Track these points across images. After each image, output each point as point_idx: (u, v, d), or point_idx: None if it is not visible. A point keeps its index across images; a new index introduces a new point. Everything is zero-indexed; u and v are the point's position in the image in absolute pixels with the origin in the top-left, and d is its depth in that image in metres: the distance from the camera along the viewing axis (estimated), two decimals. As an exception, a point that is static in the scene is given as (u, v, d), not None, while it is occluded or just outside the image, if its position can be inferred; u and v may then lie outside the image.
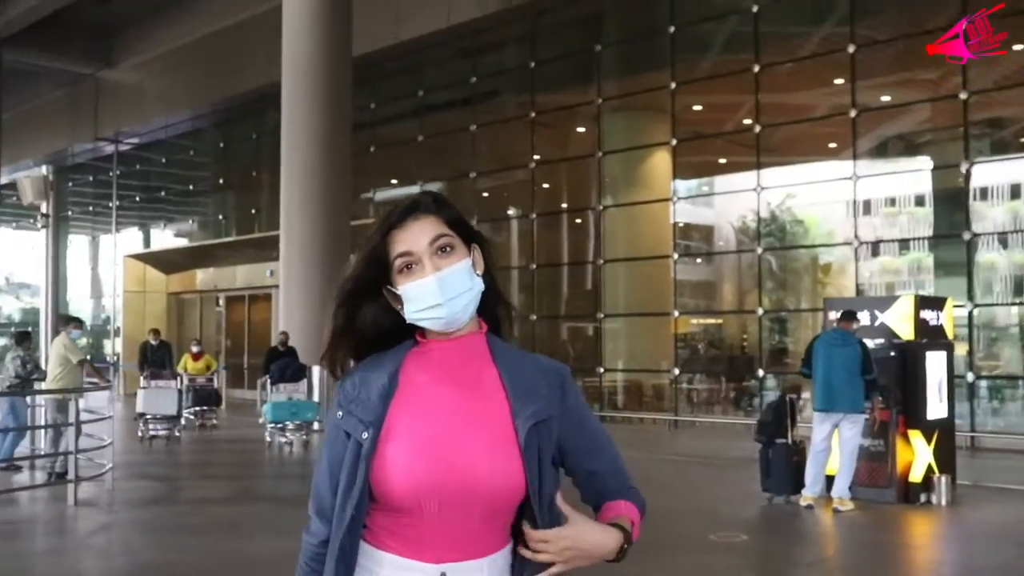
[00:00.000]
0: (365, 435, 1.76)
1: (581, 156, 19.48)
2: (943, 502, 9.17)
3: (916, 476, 9.33)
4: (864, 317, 9.61)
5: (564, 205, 21.06)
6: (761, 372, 16.25)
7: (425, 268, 1.79)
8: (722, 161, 18.68)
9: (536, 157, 20.10)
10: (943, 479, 9.29)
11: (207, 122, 27.51)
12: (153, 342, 16.45)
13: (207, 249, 27.22)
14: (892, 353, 9.46)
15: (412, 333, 1.86)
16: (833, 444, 9.14)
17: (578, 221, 20.32)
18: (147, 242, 30.78)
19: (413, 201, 1.85)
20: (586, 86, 19.21)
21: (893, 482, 9.28)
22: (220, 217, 27.92)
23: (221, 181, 28.10)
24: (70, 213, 33.64)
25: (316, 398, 14.71)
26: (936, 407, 9.67)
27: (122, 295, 28.27)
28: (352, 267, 1.88)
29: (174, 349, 18.83)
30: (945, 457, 9.61)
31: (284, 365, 14.42)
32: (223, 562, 7.07)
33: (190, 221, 29.59)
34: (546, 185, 20.73)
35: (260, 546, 7.46)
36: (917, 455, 9.37)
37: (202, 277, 27.82)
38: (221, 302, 27.22)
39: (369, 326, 1.87)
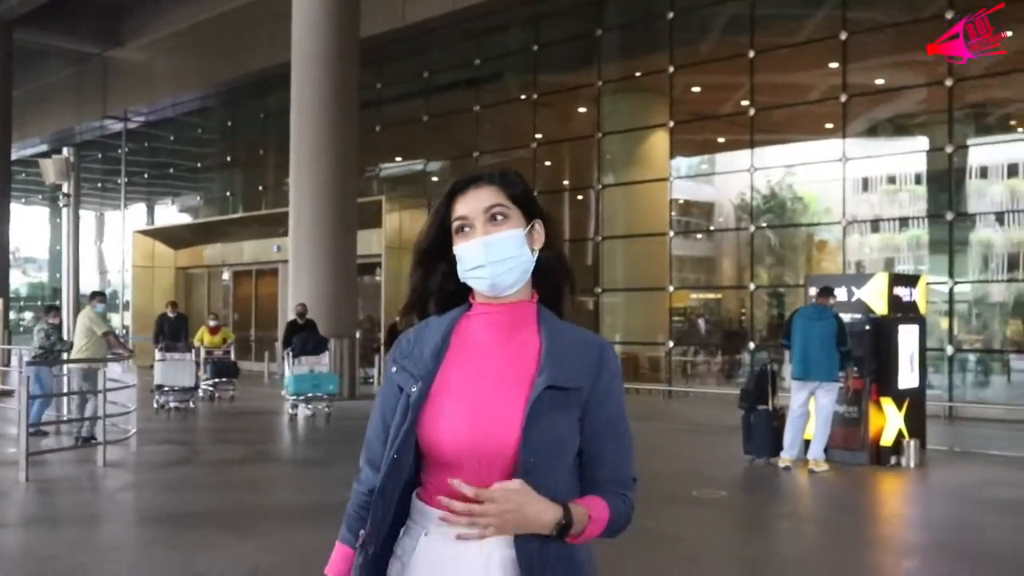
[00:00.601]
0: (415, 388, 1.87)
1: (582, 136, 20.19)
2: (911, 464, 9.92)
3: (887, 440, 10.10)
4: (841, 293, 10.36)
5: (565, 183, 21.77)
6: (752, 345, 17.00)
7: (476, 232, 1.90)
8: (719, 141, 19.42)
9: (538, 136, 20.83)
10: (912, 443, 10.04)
11: (214, 101, 28.25)
12: (171, 314, 16.60)
13: (215, 225, 27.98)
14: (867, 327, 10.21)
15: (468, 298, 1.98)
16: (810, 410, 9.91)
17: (579, 198, 21.03)
18: (155, 218, 31.59)
19: (479, 174, 1.97)
20: (587, 68, 19.91)
21: (865, 445, 10.04)
22: (227, 194, 28.73)
23: (228, 159, 28.87)
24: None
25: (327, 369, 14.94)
26: (907, 376, 10.43)
27: (131, 270, 29.00)
28: (423, 229, 2.00)
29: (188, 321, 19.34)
30: (915, 423, 10.38)
31: (305, 338, 14.68)
32: (246, 513, 7.83)
33: (198, 198, 30.41)
34: (548, 163, 21.45)
35: (281, 501, 8.24)
36: (888, 421, 10.13)
37: (210, 252, 28.50)
38: (227, 276, 27.99)
39: (438, 286, 1.99)
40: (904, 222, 16.32)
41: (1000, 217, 15.16)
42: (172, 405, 14.99)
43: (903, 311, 10.55)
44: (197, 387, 15.69)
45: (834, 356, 9.63)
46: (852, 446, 10.13)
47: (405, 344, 1.96)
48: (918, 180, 16.36)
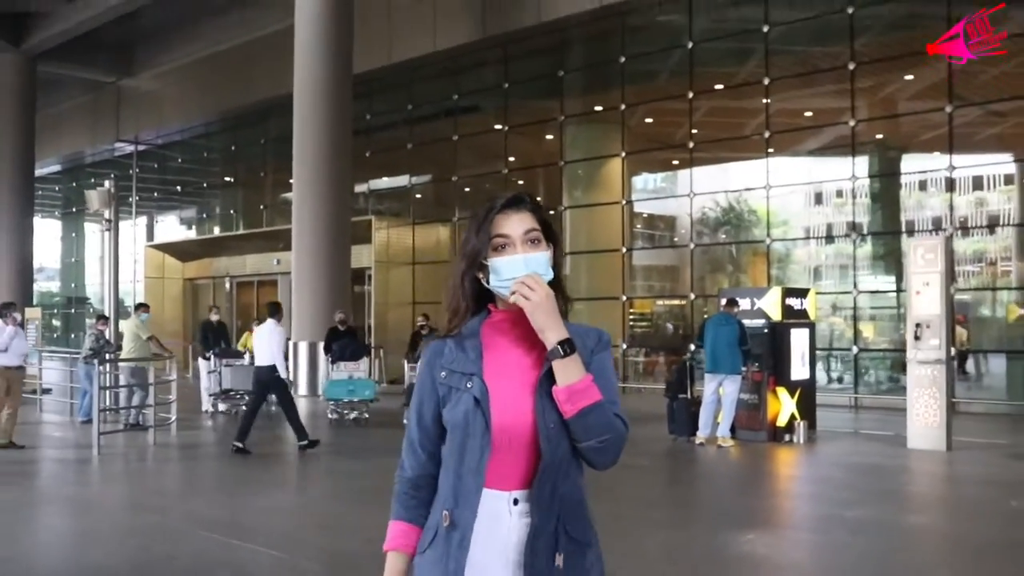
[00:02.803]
0: (470, 384, 2.04)
1: (547, 163, 22.40)
2: (801, 440, 12.11)
3: (782, 421, 12.30)
4: (745, 303, 12.56)
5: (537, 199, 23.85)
6: (693, 347, 19.15)
7: (516, 250, 2.09)
8: (665, 170, 21.61)
9: (511, 159, 23.02)
10: (802, 424, 12.25)
11: (218, 127, 30.34)
12: (213, 319, 16.73)
13: (220, 240, 30.02)
14: (765, 330, 12.41)
15: (485, 306, 2.16)
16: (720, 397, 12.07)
17: (548, 213, 23.07)
18: (164, 233, 33.59)
19: (518, 196, 2.15)
20: (551, 103, 22.11)
21: (764, 426, 12.23)
22: (231, 212, 30.80)
23: (231, 180, 30.97)
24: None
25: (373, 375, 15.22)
26: (799, 370, 12.63)
27: (143, 280, 30.96)
28: (468, 242, 2.14)
29: (192, 327, 20.26)
30: (806, 408, 12.56)
31: (344, 345, 14.90)
32: (275, 475, 9.96)
33: (204, 215, 32.48)
34: (521, 182, 23.62)
35: (309, 469, 10.34)
36: (783, 406, 12.34)
37: (215, 265, 30.46)
38: (229, 286, 29.97)
39: (475, 292, 2.16)
40: (818, 240, 18.62)
41: (896, 235, 17.44)
42: (234, 409, 15.34)
43: (795, 317, 12.75)
44: None
45: (738, 354, 11.78)
46: (754, 426, 12.32)
47: (448, 352, 2.13)
48: (828, 202, 18.65)
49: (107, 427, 13.64)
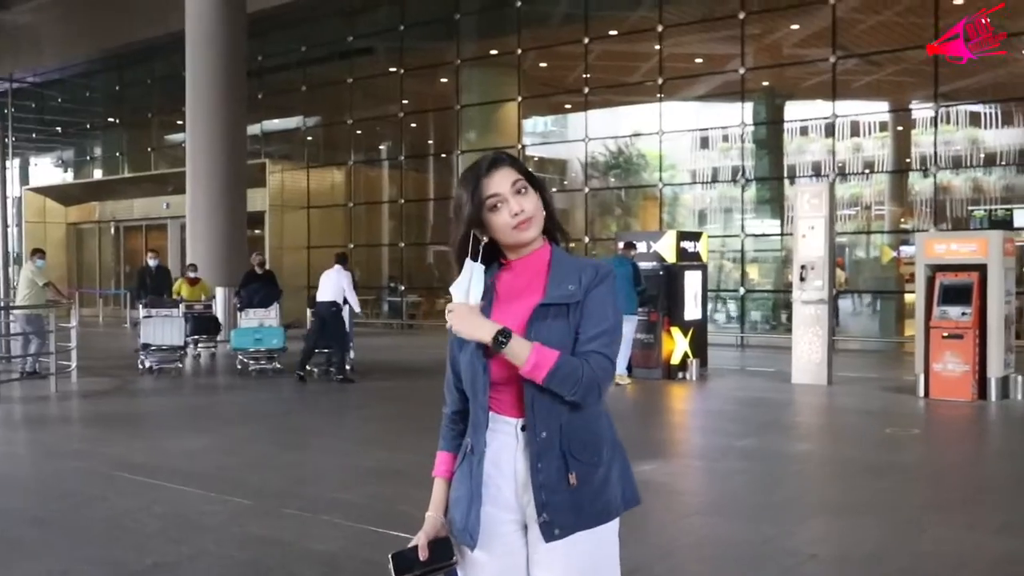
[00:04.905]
0: None
1: (442, 108, 22.58)
2: (693, 377, 12.83)
3: (676, 360, 12.98)
4: (642, 246, 13.12)
5: (430, 143, 24.07)
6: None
7: (508, 203, 2.24)
8: (560, 114, 22.06)
9: (405, 103, 23.10)
10: (694, 362, 12.96)
11: (102, 65, 29.42)
12: (151, 263, 15.47)
13: (104, 184, 29.30)
14: (660, 272, 13.01)
15: (496, 259, 2.36)
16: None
17: (443, 157, 23.38)
18: (43, 176, 32.51)
19: (496, 157, 2.30)
20: (447, 47, 22.23)
21: (659, 364, 12.90)
22: (117, 154, 30.02)
23: (117, 120, 30.13)
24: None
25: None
26: (692, 311, 13.31)
27: (24, 225, 30.03)
28: (462, 207, 2.29)
29: (70, 273, 19.35)
30: (698, 346, 13.27)
31: (253, 291, 13.96)
32: (170, 419, 10.15)
33: (87, 157, 31.57)
34: (413, 125, 23.79)
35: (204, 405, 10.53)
36: (677, 345, 13.00)
37: (100, 209, 29.74)
38: (114, 231, 29.35)
39: (480, 246, 2.31)
40: (708, 184, 19.38)
41: (780, 180, 18.29)
42: (157, 366, 13.79)
43: (689, 260, 13.38)
44: (185, 346, 14.37)
45: (633, 295, 12.36)
46: (649, 364, 12.97)
47: None
48: (716, 148, 19.40)
49: (1, 376, 13.62)
